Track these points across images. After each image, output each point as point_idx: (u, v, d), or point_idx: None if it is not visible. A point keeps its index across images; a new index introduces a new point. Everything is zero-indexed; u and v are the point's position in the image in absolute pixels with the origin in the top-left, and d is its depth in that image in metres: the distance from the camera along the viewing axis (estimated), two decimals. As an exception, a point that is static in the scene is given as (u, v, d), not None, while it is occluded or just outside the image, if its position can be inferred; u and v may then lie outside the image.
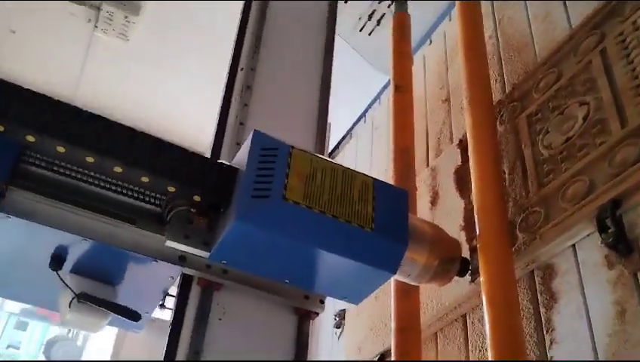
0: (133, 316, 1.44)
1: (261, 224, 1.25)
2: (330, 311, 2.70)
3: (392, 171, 2.19)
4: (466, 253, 1.82)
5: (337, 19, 2.51)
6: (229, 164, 1.41)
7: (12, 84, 1.29)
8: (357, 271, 1.35)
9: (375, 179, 1.43)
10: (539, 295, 1.56)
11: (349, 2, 2.70)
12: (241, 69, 2.12)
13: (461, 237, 1.87)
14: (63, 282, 1.43)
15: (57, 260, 1.43)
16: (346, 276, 1.39)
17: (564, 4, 1.89)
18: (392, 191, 1.46)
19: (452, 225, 1.95)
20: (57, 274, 1.42)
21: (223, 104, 2.00)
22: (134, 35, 3.77)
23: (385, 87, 3.03)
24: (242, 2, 2.32)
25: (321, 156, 1.44)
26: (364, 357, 2.21)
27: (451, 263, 1.51)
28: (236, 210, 1.24)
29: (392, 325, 1.82)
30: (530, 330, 1.54)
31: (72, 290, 1.42)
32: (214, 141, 1.91)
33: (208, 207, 1.35)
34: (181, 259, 1.48)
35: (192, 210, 1.35)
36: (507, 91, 1.97)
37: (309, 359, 1.65)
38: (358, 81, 3.08)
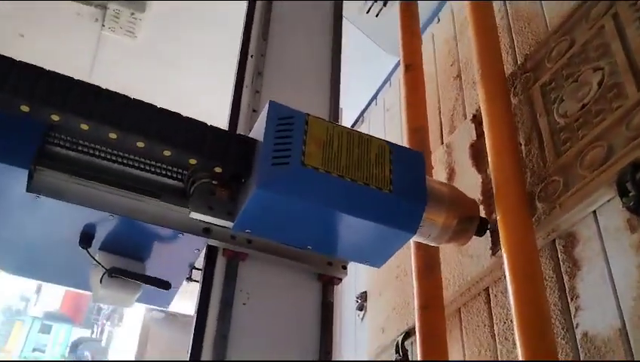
0: (164, 285, 1.48)
1: (282, 190, 1.28)
2: (351, 294, 2.71)
3: (407, 150, 2.19)
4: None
5: (344, 2, 2.50)
6: (247, 135, 1.43)
7: (34, 65, 1.32)
8: (377, 233, 1.38)
9: (391, 142, 1.45)
10: (561, 263, 1.56)
11: (354, -15, 2.69)
12: (251, 56, 2.12)
13: (480, 211, 1.86)
14: (93, 258, 1.46)
15: (86, 238, 1.45)
16: (366, 239, 1.41)
17: (573, -29, 1.87)
18: (408, 154, 1.48)
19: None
20: (87, 251, 1.45)
21: (235, 91, 2.00)
22: (142, 32, 3.78)
23: (395, 68, 3.02)
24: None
25: (337, 123, 1.46)
26: (389, 338, 2.22)
27: (470, 222, 1.53)
28: (257, 178, 1.27)
29: (415, 303, 1.82)
30: (554, 299, 1.53)
31: (103, 266, 1.45)
32: (228, 129, 1.92)
33: (229, 178, 1.39)
34: (205, 231, 1.50)
35: (213, 181, 1.38)
36: (519, 62, 1.95)
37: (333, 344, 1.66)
38: (368, 64, 3.07)
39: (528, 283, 1.44)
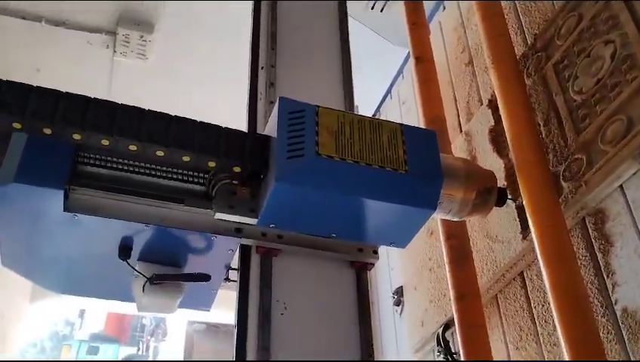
0: (204, 277, 1.52)
1: (300, 181, 1.31)
2: (387, 290, 2.72)
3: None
4: (513, 211, 1.81)
5: (347, 1, 2.50)
6: (262, 133, 1.48)
7: (52, 89, 1.38)
8: (398, 213, 1.40)
9: (402, 124, 1.47)
10: (593, 241, 1.55)
11: (356, -18, 2.69)
12: (262, 68, 2.14)
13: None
14: (134, 269, 1.51)
15: (125, 250, 1.50)
16: (389, 221, 1.44)
17: (574, -55, 1.85)
18: (420, 133, 1.49)
19: (495, 186, 1.94)
20: (127, 262, 1.50)
21: (249, 103, 2.02)
22: (153, 53, 3.83)
23: (406, 60, 3.01)
24: (252, 2, 2.33)
25: (347, 111, 1.49)
26: (429, 331, 2.22)
27: (489, 193, 1.53)
28: (275, 173, 1.31)
29: (451, 294, 1.83)
30: (590, 277, 1.52)
31: (144, 275, 1.50)
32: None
33: (249, 176, 1.44)
34: (237, 231, 1.53)
35: (234, 182, 1.44)
36: (529, 43, 1.94)
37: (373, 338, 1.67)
38: (379, 59, 3.06)
39: (562, 264, 1.43)
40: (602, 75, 1.56)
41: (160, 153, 1.41)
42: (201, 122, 1.46)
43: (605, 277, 1.49)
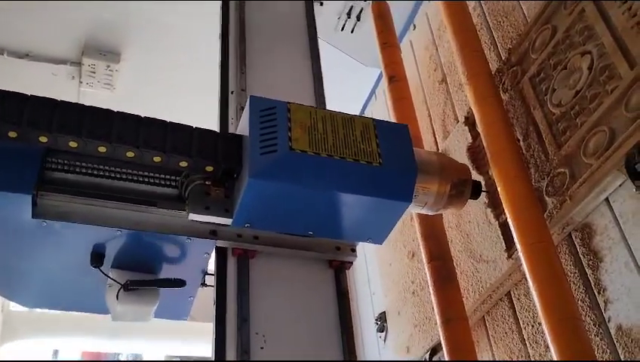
0: (178, 283, 1.49)
1: (274, 176, 1.30)
2: (369, 316, 2.65)
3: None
4: (496, 229, 1.77)
5: (317, 23, 2.47)
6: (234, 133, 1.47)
7: (17, 93, 1.33)
8: (374, 207, 1.39)
9: (374, 118, 1.47)
10: (582, 257, 1.50)
11: (324, 4, 2.65)
12: (232, 92, 2.08)
13: (488, 214, 1.81)
14: (107, 276, 1.47)
15: (97, 257, 1.46)
16: (365, 215, 1.42)
17: (543, -42, 1.84)
18: (392, 127, 1.50)
19: (476, 204, 1.89)
20: (100, 270, 1.46)
21: (220, 128, 1.96)
22: (120, 82, 3.74)
23: (378, 80, 2.99)
24: (219, 25, 2.28)
25: (319, 107, 1.49)
26: (415, 356, 2.15)
27: (464, 185, 1.53)
28: (248, 169, 1.30)
29: (437, 318, 1.76)
30: (580, 295, 1.48)
31: (117, 282, 1.46)
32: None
33: (222, 176, 1.40)
34: (212, 233, 1.50)
35: (207, 182, 1.41)
36: (504, 58, 1.91)
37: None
38: (351, 80, 3.03)
39: (551, 282, 1.38)
40: (581, 87, 1.53)
41: (130, 154, 1.36)
42: (171, 122, 1.43)
43: (596, 293, 1.44)
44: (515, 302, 1.73)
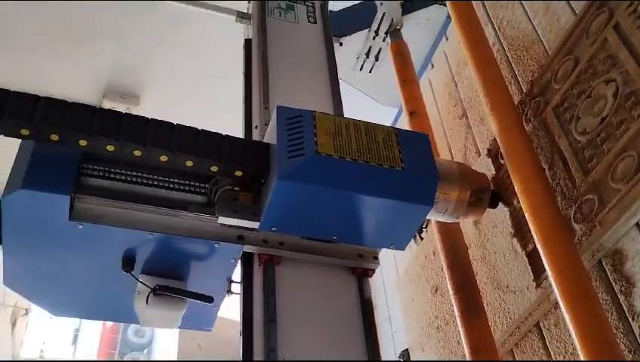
0: (207, 299, 1.53)
1: (301, 179, 1.36)
2: (392, 355, 2.60)
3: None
4: (523, 259, 1.75)
5: (337, 63, 2.52)
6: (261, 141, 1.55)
7: (58, 99, 1.39)
8: (396, 211, 1.44)
9: (396, 127, 1.54)
10: (613, 283, 1.48)
11: (344, 44, 2.71)
12: (255, 127, 2.11)
13: (514, 244, 1.80)
14: (137, 279, 1.52)
15: (128, 261, 1.52)
16: (387, 220, 1.47)
17: (562, -7, 1.88)
18: (413, 136, 1.57)
19: (502, 236, 1.89)
20: (131, 274, 1.51)
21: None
22: (139, 125, 3.81)
23: (396, 118, 3.02)
24: (242, 62, 2.33)
25: (342, 116, 1.58)
26: (440, 393, 2.10)
27: (483, 192, 1.60)
28: (277, 172, 1.35)
29: (465, 349, 1.73)
30: (614, 322, 1.45)
31: (147, 285, 1.51)
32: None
33: (250, 181, 1.47)
34: (239, 238, 1.55)
35: (235, 188, 1.47)
36: (525, 90, 1.93)
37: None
38: (368, 119, 3.06)
39: (586, 307, 1.36)
40: (606, 114, 1.54)
41: (164, 158, 1.42)
42: (202, 130, 1.49)
43: (630, 320, 1.42)
44: (545, 333, 1.70)
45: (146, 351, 12.69)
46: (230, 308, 1.72)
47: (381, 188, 1.40)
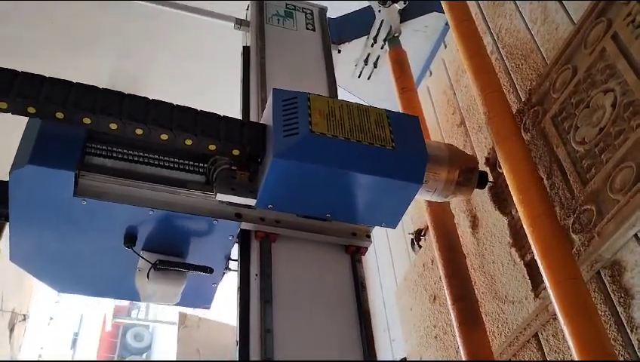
0: (206, 269, 1.59)
1: (296, 156, 1.41)
2: (389, 362, 2.59)
3: (424, 203, 2.14)
4: (522, 269, 1.75)
5: (334, 69, 2.51)
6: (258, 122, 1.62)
7: (63, 80, 1.45)
8: (387, 189, 1.50)
9: (387, 109, 1.59)
10: (612, 294, 1.48)
11: (342, 51, 2.70)
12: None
13: (513, 254, 1.80)
14: (138, 255, 1.57)
15: (130, 238, 1.57)
16: (379, 197, 1.52)
17: (561, 2, 1.88)
18: (404, 117, 1.63)
19: (499, 245, 1.88)
20: (132, 249, 1.56)
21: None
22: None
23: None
24: (240, 71, 2.33)
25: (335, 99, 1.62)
26: (438, 403, 2.09)
27: (471, 173, 1.65)
28: (273, 149, 1.40)
29: (463, 359, 1.72)
30: (612, 334, 1.44)
31: (148, 261, 1.57)
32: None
33: (247, 160, 1.52)
34: (237, 216, 1.60)
35: (233, 167, 1.53)
36: (524, 99, 1.93)
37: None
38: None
39: (585, 319, 1.35)
40: (605, 124, 1.54)
41: (164, 136, 1.46)
42: (201, 110, 1.54)
43: (629, 332, 1.41)
44: (543, 344, 1.69)
45: (144, 354, 12.73)
46: (230, 314, 1.72)
47: (372, 166, 1.45)
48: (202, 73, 3.57)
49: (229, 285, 1.77)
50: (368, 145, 1.46)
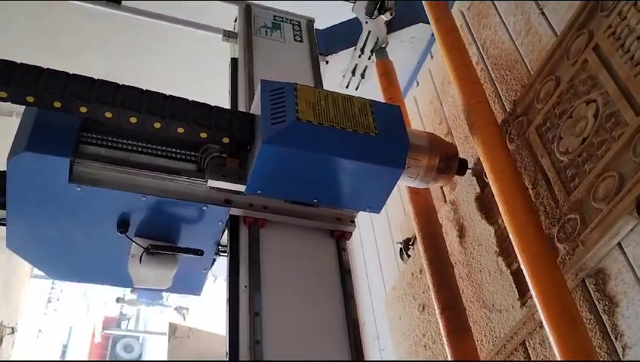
0: (197, 252, 1.65)
1: (284, 143, 1.47)
2: (379, 372, 2.60)
3: (412, 213, 2.16)
4: (508, 278, 1.76)
5: (322, 80, 2.53)
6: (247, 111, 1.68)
7: (61, 71, 1.50)
8: (371, 174, 1.56)
9: (371, 99, 1.65)
10: (597, 302, 1.50)
11: (329, 62, 2.73)
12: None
13: (499, 263, 1.81)
14: (131, 240, 1.63)
15: (123, 224, 1.63)
16: (363, 183, 1.59)
17: (544, 14, 1.91)
18: (387, 107, 1.71)
19: (486, 254, 1.90)
20: (126, 235, 1.62)
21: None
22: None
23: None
24: (229, 82, 2.34)
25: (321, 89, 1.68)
26: (428, 412, 2.10)
27: (451, 160, 1.72)
28: (261, 136, 1.46)
29: (452, 369, 1.74)
30: (597, 341, 1.46)
31: (141, 245, 1.62)
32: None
33: (237, 148, 1.58)
34: (226, 202, 1.66)
35: (223, 155, 1.59)
36: (509, 109, 1.95)
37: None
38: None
39: (570, 330, 1.36)
40: (587, 134, 1.56)
41: (157, 125, 1.52)
42: (193, 100, 1.60)
43: (614, 339, 1.43)
44: (530, 352, 1.71)
45: (134, 365, 12.62)
46: (222, 324, 1.72)
47: (356, 152, 1.52)
48: (191, 83, 3.58)
49: (219, 298, 1.79)
50: (352, 131, 1.53)
